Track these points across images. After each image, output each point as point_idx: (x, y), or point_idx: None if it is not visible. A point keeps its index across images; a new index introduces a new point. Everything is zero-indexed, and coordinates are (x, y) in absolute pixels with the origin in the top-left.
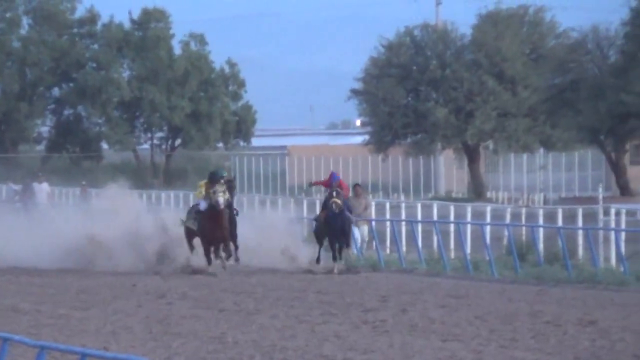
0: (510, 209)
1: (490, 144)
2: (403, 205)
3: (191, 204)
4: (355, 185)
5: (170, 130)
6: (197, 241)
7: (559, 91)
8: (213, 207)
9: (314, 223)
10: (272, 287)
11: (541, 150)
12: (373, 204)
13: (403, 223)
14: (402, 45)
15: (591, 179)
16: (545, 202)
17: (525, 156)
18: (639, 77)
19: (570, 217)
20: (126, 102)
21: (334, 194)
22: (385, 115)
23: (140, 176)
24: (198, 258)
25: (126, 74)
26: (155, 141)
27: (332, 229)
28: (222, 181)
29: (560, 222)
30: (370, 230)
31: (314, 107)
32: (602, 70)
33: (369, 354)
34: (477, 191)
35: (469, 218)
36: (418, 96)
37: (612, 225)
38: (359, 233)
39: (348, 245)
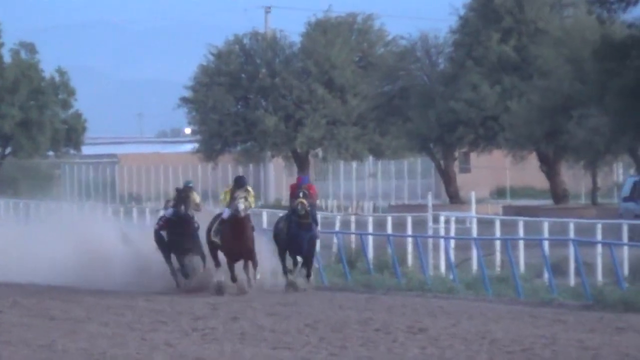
0: (340, 216)
1: (320, 151)
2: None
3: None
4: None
5: (0, 138)
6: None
7: (388, 99)
8: (234, 216)
9: (274, 229)
10: (102, 295)
11: (370, 158)
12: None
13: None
14: (232, 53)
15: (420, 186)
16: (375, 209)
17: (354, 164)
18: (467, 84)
19: (399, 225)
20: None
21: (301, 194)
22: (215, 124)
23: None
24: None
25: None
26: None
27: (294, 244)
28: (246, 187)
29: (389, 230)
30: None
31: (143, 116)
32: (431, 78)
33: None
34: None
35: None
36: (248, 104)
37: (442, 233)
38: None
39: (309, 267)
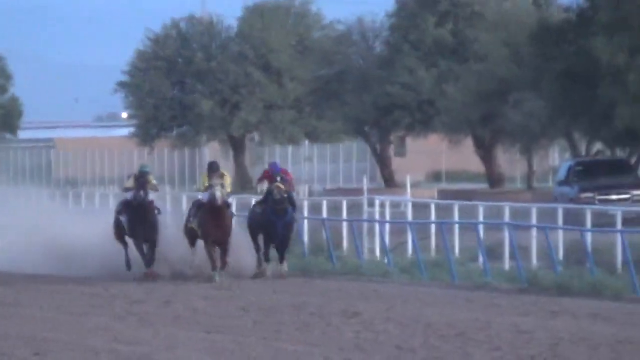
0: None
1: (256, 136)
2: (168, 197)
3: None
4: None
5: None
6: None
7: (324, 83)
8: (211, 203)
9: (249, 214)
10: (36, 280)
11: (307, 142)
12: None
13: (169, 215)
14: (169, 38)
15: (356, 170)
16: (311, 193)
17: (290, 148)
18: (404, 68)
19: (335, 209)
20: None
21: (278, 178)
22: (151, 108)
23: None
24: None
25: None
26: None
27: (270, 229)
28: (221, 172)
29: (325, 214)
30: None
31: (80, 100)
32: (368, 62)
33: (134, 346)
34: (242, 183)
35: (234, 210)
36: (184, 89)
37: (377, 217)
38: None
39: (282, 259)
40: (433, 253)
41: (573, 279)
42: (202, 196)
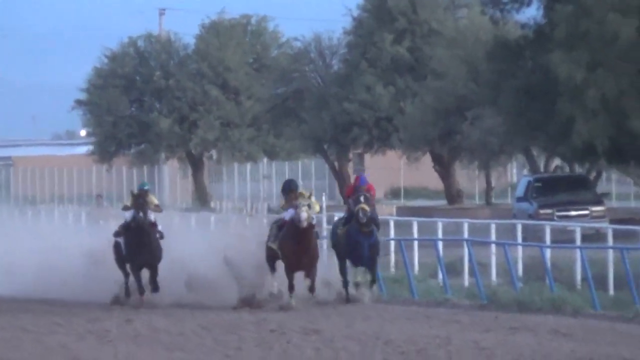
0: (235, 217)
1: (214, 153)
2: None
3: None
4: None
5: None
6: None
7: (282, 101)
8: (296, 225)
9: (331, 236)
10: None
11: (265, 159)
12: None
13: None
14: (126, 55)
15: (315, 187)
16: (269, 210)
17: (249, 165)
18: (361, 86)
19: None
20: None
21: (362, 198)
22: (109, 126)
23: None
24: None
25: None
26: None
27: (355, 252)
28: (303, 192)
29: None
30: None
31: (38, 118)
32: (325, 80)
33: None
34: (201, 200)
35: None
36: (142, 106)
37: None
38: None
39: (374, 280)
40: (392, 269)
41: (532, 295)
42: (287, 213)
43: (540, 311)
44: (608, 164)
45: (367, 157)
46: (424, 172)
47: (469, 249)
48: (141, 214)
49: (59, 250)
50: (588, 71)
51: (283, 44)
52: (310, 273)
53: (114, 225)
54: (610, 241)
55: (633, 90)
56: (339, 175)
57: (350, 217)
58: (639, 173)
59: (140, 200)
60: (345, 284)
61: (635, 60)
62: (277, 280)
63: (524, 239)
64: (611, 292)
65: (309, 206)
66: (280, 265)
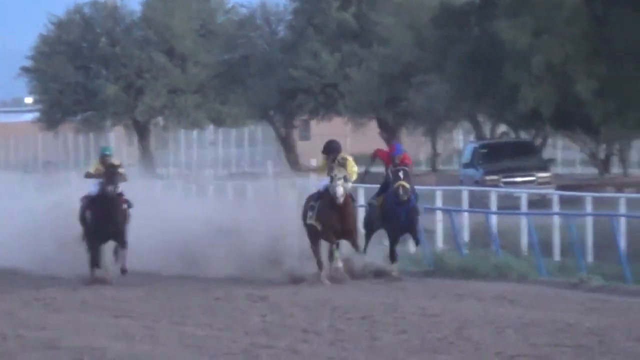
0: (182, 184)
1: (161, 120)
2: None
3: None
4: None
5: None
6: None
7: (228, 67)
8: (332, 200)
9: (368, 208)
10: None
11: (211, 126)
12: None
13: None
14: (72, 22)
15: (261, 154)
16: (216, 177)
17: (195, 132)
18: (307, 52)
19: (243, 192)
20: None
21: (401, 174)
22: (56, 93)
23: None
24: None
25: None
26: None
27: (393, 220)
28: (346, 156)
29: (230, 197)
30: None
31: None
32: (271, 46)
33: (41, 331)
34: (147, 168)
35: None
36: (88, 73)
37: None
38: None
39: (417, 242)
40: None
41: (478, 261)
42: (321, 184)
43: (486, 277)
44: (554, 130)
45: (313, 123)
46: (370, 139)
47: None
48: (111, 188)
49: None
50: (533, 37)
51: (229, 10)
52: (352, 238)
53: (66, 190)
54: (556, 207)
55: (578, 56)
56: (285, 142)
57: (386, 187)
58: (584, 139)
59: (111, 171)
60: (392, 257)
61: (580, 26)
62: (325, 271)
63: (470, 205)
64: (557, 258)
65: (345, 179)
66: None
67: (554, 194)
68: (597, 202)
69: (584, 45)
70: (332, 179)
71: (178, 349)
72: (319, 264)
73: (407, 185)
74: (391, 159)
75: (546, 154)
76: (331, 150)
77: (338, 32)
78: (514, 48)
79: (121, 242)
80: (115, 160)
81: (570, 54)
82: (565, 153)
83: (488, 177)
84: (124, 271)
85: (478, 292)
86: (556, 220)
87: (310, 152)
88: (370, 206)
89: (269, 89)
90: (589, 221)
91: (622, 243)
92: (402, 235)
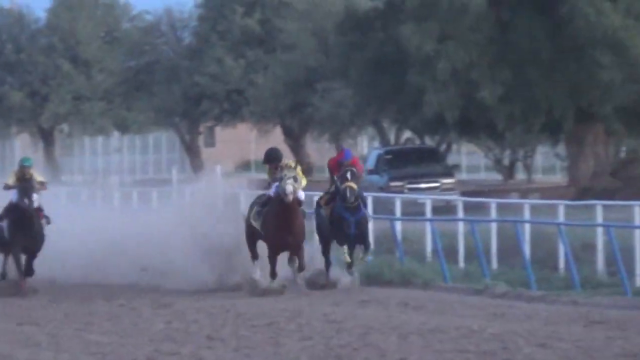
0: (87, 191)
1: (66, 127)
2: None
3: None
4: None
5: None
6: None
7: (133, 74)
8: (281, 200)
9: (316, 217)
10: None
11: (116, 133)
12: None
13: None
14: None
15: (166, 161)
16: (121, 184)
17: (100, 139)
18: (212, 59)
19: (146, 200)
20: None
21: (348, 175)
22: None
23: None
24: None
25: None
26: None
27: (341, 227)
28: (287, 162)
29: (135, 204)
30: None
31: None
32: (177, 53)
33: None
34: (53, 174)
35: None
36: None
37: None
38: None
39: (367, 247)
40: None
41: (383, 267)
42: (272, 188)
43: (390, 284)
44: (458, 135)
45: (218, 130)
46: (274, 145)
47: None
48: (26, 201)
49: None
50: (438, 43)
51: (134, 17)
52: (298, 253)
53: None
54: (460, 213)
55: (483, 62)
56: (190, 149)
57: (335, 195)
58: (489, 145)
59: (25, 185)
60: (328, 265)
61: (485, 32)
62: (260, 265)
63: (375, 211)
64: (461, 264)
65: (295, 179)
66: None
67: (459, 200)
68: (501, 208)
69: (488, 50)
70: (281, 179)
71: (82, 356)
72: (272, 274)
73: (355, 186)
74: (339, 164)
75: (451, 160)
76: (272, 159)
77: (243, 38)
78: (418, 54)
79: (32, 254)
80: (34, 172)
81: (474, 59)
82: (469, 159)
83: (393, 184)
84: (28, 275)
85: (382, 298)
86: (460, 227)
87: (216, 159)
88: (318, 216)
89: (174, 95)
90: (494, 227)
91: (526, 249)
92: (353, 245)
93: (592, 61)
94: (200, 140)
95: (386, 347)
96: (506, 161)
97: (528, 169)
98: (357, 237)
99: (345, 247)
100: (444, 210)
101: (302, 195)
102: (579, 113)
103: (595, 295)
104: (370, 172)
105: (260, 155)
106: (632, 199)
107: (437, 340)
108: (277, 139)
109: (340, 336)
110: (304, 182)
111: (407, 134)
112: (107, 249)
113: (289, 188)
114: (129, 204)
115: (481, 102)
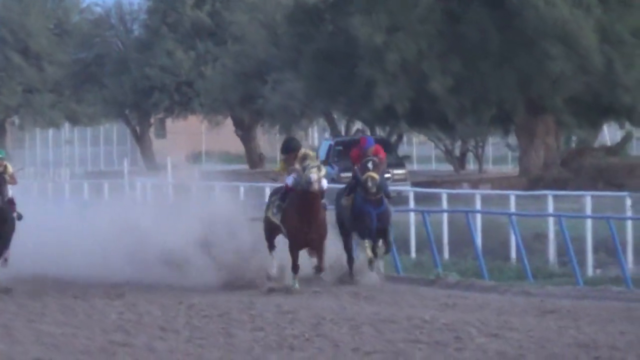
0: (37, 184)
1: (16, 119)
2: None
3: None
4: None
5: None
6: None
7: (84, 66)
8: (303, 192)
9: (335, 207)
10: None
11: (67, 125)
12: None
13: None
14: None
15: (117, 153)
16: (72, 176)
17: (51, 131)
18: (162, 51)
19: (96, 191)
20: None
21: (370, 165)
22: None
23: None
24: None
25: None
26: None
27: (363, 219)
28: (305, 151)
29: (86, 196)
30: None
31: None
32: (126, 45)
33: None
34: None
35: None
36: None
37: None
38: None
39: (389, 247)
40: None
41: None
42: (288, 179)
43: None
44: (409, 126)
45: (168, 121)
46: (225, 137)
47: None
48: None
49: None
50: (388, 34)
51: (84, 10)
52: (319, 250)
53: None
54: (411, 204)
55: (433, 53)
56: (141, 141)
57: (356, 185)
58: (439, 135)
59: None
60: (350, 260)
61: (435, 23)
62: (277, 260)
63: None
64: (413, 255)
65: (319, 168)
66: (280, 242)
67: (410, 191)
68: (452, 198)
69: (438, 42)
70: (304, 169)
71: (35, 347)
72: (294, 268)
73: (376, 176)
74: (362, 153)
75: (402, 150)
76: (291, 149)
77: (193, 30)
78: (368, 45)
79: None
80: (8, 164)
81: (424, 51)
82: (420, 150)
83: (344, 175)
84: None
85: (334, 289)
86: (412, 217)
87: (167, 150)
88: (339, 206)
89: (124, 87)
90: (445, 218)
91: (478, 239)
92: (375, 239)
93: (542, 52)
94: (151, 132)
95: (339, 338)
96: (457, 152)
97: (479, 159)
98: (379, 232)
99: (367, 242)
100: (395, 200)
101: (325, 184)
102: (530, 104)
103: (547, 285)
104: (322, 163)
105: (212, 147)
106: (583, 189)
107: (389, 331)
108: (227, 130)
109: (293, 326)
110: (324, 171)
111: (357, 125)
112: (62, 242)
113: (314, 176)
114: (80, 196)
115: (431, 94)
